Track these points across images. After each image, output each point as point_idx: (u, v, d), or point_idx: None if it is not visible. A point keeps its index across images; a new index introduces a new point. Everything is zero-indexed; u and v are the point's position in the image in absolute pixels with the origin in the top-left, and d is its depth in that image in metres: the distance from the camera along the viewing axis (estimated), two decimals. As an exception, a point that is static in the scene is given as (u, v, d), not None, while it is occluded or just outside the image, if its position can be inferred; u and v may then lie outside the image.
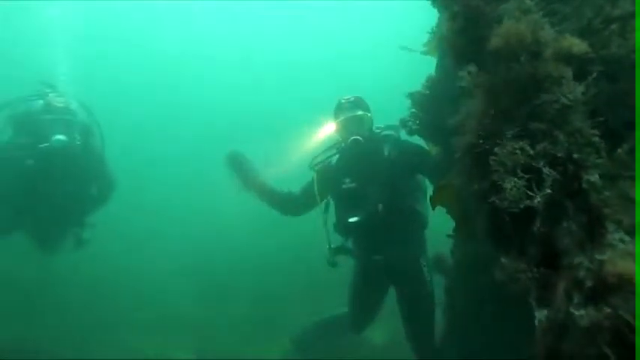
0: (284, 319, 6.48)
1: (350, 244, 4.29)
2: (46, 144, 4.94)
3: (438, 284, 4.22)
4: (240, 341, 6.47)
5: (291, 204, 4.65)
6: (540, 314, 1.68)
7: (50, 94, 5.37)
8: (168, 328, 6.75)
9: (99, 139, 5.72)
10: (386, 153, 4.08)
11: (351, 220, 4.03)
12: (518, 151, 1.78)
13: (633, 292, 1.50)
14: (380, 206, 3.94)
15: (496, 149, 1.80)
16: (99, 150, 5.68)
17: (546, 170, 1.71)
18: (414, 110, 3.65)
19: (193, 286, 7.91)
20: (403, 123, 3.86)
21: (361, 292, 4.39)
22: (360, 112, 4.12)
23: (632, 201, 1.69)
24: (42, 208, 5.21)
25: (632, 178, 1.74)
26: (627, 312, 1.48)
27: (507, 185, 1.73)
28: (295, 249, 7.59)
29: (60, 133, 4.99)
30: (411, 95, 3.58)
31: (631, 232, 1.65)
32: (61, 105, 5.24)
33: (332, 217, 4.38)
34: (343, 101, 4.22)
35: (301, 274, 6.94)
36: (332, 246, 4.14)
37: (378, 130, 4.41)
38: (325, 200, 4.38)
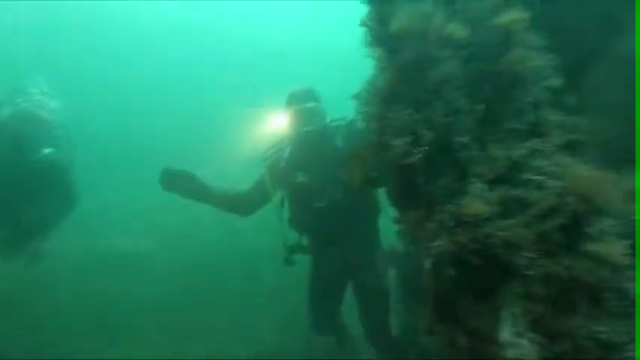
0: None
1: (305, 240, 4.27)
2: (34, 158, 4.93)
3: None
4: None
5: (243, 203, 4.51)
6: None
7: (31, 98, 5.35)
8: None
9: (71, 149, 5.69)
10: (338, 144, 4.02)
11: (317, 205, 4.00)
12: (405, 116, 2.12)
13: (479, 225, 1.85)
14: (334, 198, 3.95)
15: (389, 114, 2.14)
16: (68, 162, 5.61)
17: (424, 132, 2.04)
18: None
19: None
20: (352, 122, 4.03)
21: (319, 289, 4.33)
22: (312, 104, 4.10)
23: (494, 158, 2.04)
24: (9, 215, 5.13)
25: (498, 141, 2.09)
26: (470, 240, 1.83)
27: (395, 142, 2.07)
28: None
29: (45, 146, 4.99)
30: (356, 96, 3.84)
31: (490, 182, 1.99)
32: (42, 114, 5.22)
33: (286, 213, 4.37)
34: (294, 92, 4.18)
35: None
36: (288, 243, 4.14)
37: (332, 122, 4.35)
38: (280, 195, 4.43)
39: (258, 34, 16.93)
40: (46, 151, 5.05)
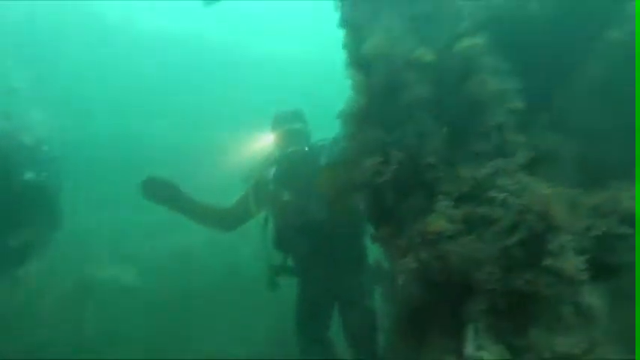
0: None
1: (290, 261, 4.19)
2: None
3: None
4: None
5: (226, 218, 4.50)
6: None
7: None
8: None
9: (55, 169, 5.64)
10: (322, 163, 4.01)
11: (302, 223, 4.05)
12: (377, 137, 2.22)
13: (442, 242, 1.93)
14: (318, 217, 3.91)
15: (362, 134, 2.23)
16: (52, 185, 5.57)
17: (395, 152, 2.13)
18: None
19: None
20: (335, 141, 4.03)
21: (306, 312, 4.27)
22: (297, 125, 4.18)
23: (459, 177, 2.13)
24: None
25: (464, 161, 2.18)
26: (434, 258, 1.91)
27: (366, 163, 2.16)
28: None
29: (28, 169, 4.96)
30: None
31: (456, 200, 2.08)
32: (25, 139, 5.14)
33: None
34: (280, 114, 4.25)
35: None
36: (272, 264, 4.09)
37: (316, 142, 4.37)
38: (264, 214, 4.39)
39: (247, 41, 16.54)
40: (28, 175, 5.02)
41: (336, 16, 2.79)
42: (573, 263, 1.84)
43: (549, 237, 1.89)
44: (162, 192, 4.33)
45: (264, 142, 4.41)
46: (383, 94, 2.30)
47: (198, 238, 7.19)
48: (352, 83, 2.55)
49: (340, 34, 2.89)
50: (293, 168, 4.26)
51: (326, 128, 4.05)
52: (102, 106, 12.15)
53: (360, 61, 2.52)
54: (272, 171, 4.43)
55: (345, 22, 2.67)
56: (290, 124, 4.30)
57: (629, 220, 1.90)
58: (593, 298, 1.87)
